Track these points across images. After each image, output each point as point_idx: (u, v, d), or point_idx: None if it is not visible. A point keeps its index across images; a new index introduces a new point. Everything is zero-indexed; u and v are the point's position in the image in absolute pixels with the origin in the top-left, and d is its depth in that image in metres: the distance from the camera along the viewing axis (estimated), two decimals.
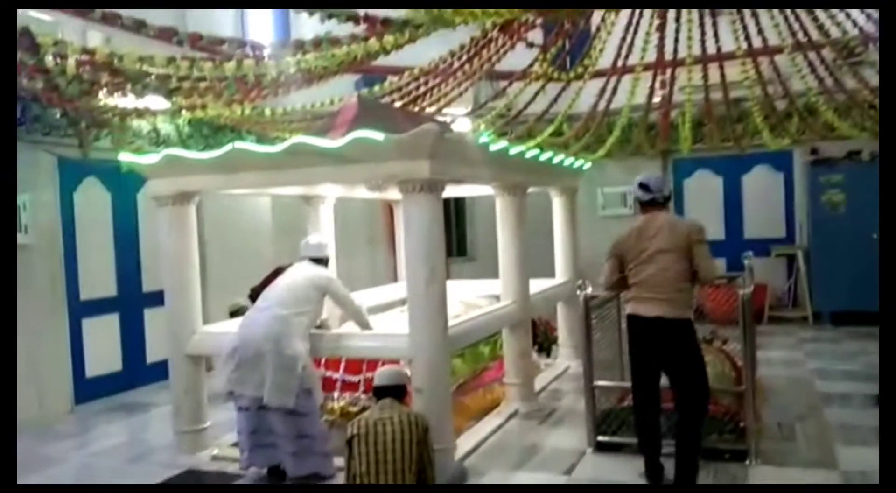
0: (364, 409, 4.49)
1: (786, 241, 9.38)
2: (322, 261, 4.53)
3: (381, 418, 3.44)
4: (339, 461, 4.13)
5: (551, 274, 7.16)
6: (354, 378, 4.72)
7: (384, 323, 5.35)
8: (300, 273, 4.38)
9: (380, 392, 3.61)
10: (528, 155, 5.48)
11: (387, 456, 3.35)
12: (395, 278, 7.97)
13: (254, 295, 4.58)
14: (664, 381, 3.95)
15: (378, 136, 3.95)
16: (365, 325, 4.46)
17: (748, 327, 4.32)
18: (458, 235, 10.62)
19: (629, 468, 4.20)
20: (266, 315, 4.13)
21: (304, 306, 4.20)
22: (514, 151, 5.15)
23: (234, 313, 5.11)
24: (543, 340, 7.16)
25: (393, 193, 6.56)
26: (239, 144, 4.35)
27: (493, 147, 4.82)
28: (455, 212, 10.55)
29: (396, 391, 3.61)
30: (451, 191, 5.57)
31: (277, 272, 4.63)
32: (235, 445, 4.79)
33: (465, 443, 4.62)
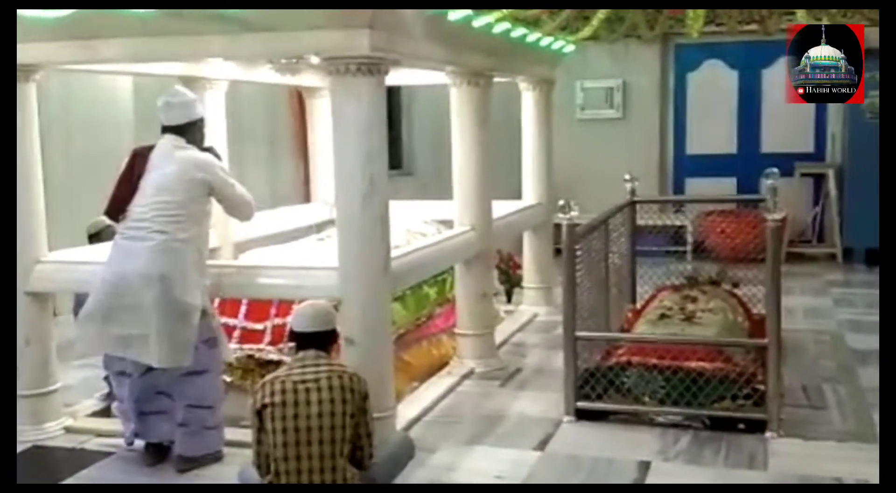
0: (268, 363, 4.50)
1: (814, 157, 9.69)
2: (192, 129, 4.15)
3: (303, 379, 3.40)
4: (233, 434, 4.18)
5: (515, 195, 7.22)
6: (259, 325, 4.68)
7: (297, 254, 5.31)
8: (169, 163, 4.03)
9: (301, 340, 3.55)
10: (498, 30, 5.39)
11: (311, 434, 3.33)
12: (306, 197, 7.86)
13: (113, 210, 4.29)
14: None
15: None
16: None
17: (775, 265, 4.46)
18: (390, 141, 10.49)
19: (617, 441, 4.37)
20: (142, 246, 3.94)
21: (193, 223, 4.01)
22: (478, 23, 5.06)
23: (95, 236, 4.90)
24: (505, 280, 7.27)
25: (306, 78, 6.40)
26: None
27: (452, 16, 4.72)
28: (388, 110, 10.39)
29: (324, 339, 3.57)
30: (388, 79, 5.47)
31: (134, 163, 4.14)
32: (96, 414, 4.75)
33: (406, 410, 4.70)
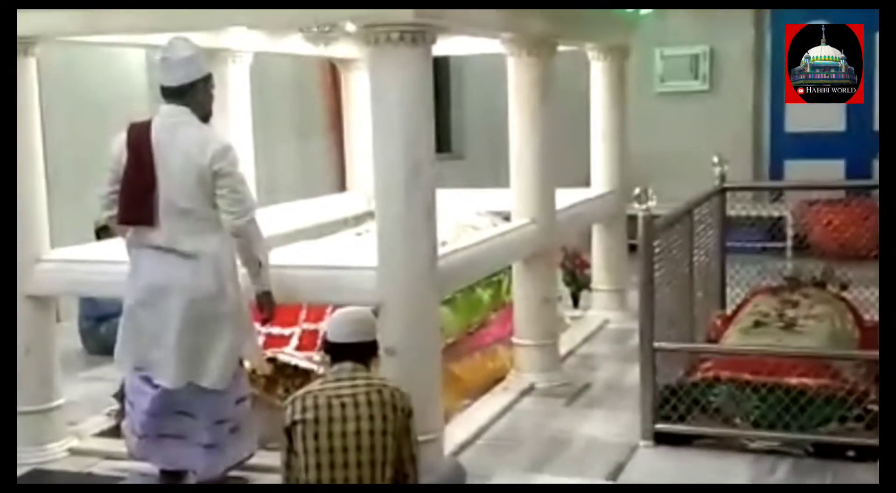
0: (295, 372, 4.56)
1: None
2: (194, 90, 3.97)
3: (339, 393, 3.43)
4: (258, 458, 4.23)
5: (583, 183, 7.20)
6: (286, 331, 4.73)
7: (330, 252, 5.35)
8: (172, 149, 3.89)
9: (336, 352, 3.58)
10: None
11: (347, 456, 3.35)
12: (340, 185, 7.92)
13: (128, 215, 4.18)
14: None
15: None
16: (260, 251, 4.06)
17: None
18: (437, 120, 10.53)
19: (703, 470, 4.34)
20: (172, 263, 3.93)
21: (219, 224, 3.99)
22: None
23: (105, 229, 4.98)
24: (570, 281, 7.24)
25: (340, 49, 6.44)
26: None
27: None
28: (434, 84, 10.41)
29: (362, 351, 3.59)
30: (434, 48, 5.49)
31: (138, 147, 3.94)
32: (105, 434, 4.84)
33: (456, 431, 4.73)
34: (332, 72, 8.29)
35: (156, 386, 4.05)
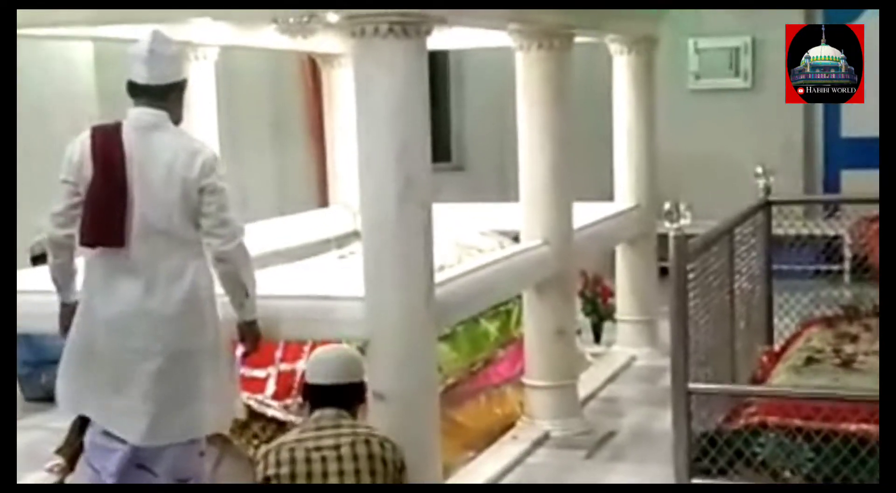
0: (270, 422, 4.59)
1: None
2: (176, 93, 3.99)
3: (319, 445, 3.47)
4: None
5: (606, 196, 7.22)
6: (261, 373, 4.75)
7: (310, 278, 5.36)
8: (150, 159, 3.84)
9: (317, 396, 3.62)
10: None
11: None
12: (322, 200, 7.95)
13: (96, 233, 4.11)
14: None
15: None
16: (248, 277, 4.05)
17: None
18: (434, 126, 10.56)
19: None
20: (156, 296, 3.88)
21: (198, 248, 3.97)
22: None
23: (42, 257, 4.99)
24: (591, 311, 7.25)
25: (321, 42, 6.47)
26: None
27: None
28: (431, 83, 10.45)
29: (347, 395, 3.64)
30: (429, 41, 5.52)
31: (108, 155, 3.86)
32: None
33: None
34: (313, 68, 8.33)
35: (123, 441, 3.93)
